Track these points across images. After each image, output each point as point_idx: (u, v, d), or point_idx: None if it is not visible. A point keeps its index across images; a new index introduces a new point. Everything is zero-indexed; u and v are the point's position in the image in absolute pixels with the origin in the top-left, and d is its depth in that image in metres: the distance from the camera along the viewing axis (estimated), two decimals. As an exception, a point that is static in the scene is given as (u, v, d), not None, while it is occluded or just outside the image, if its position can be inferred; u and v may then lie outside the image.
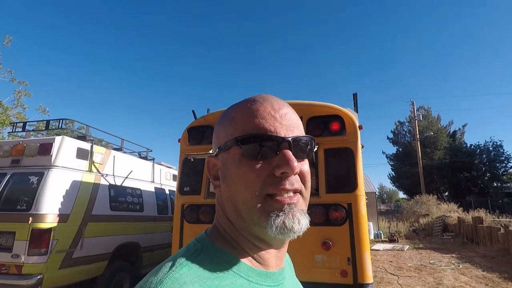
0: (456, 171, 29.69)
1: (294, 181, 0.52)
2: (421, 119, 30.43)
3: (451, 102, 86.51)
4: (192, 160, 4.06)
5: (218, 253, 0.53)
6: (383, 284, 6.87)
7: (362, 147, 4.40)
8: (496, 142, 30.55)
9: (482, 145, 31.03)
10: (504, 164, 30.12)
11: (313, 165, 4.58)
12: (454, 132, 34.77)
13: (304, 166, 0.56)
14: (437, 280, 7.09)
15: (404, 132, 36.20)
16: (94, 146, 5.43)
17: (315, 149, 0.58)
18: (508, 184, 31.45)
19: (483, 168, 30.54)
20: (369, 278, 3.37)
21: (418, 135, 27.61)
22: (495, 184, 30.60)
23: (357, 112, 4.94)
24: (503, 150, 30.23)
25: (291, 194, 0.52)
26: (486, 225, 12.24)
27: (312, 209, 3.66)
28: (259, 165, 0.52)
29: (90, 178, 5.21)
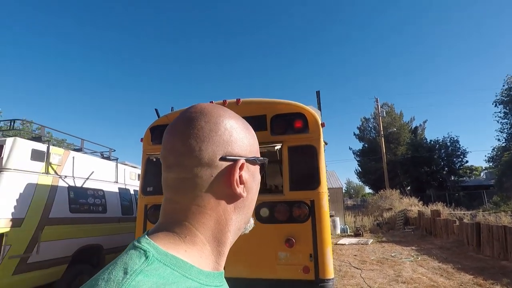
0: (418, 166, 31.08)
1: None
2: (385, 115, 31.48)
3: (412, 98, 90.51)
4: (154, 160, 3.97)
5: (169, 258, 0.51)
6: (346, 278, 7.13)
7: (326, 144, 4.49)
8: (453, 138, 32.26)
9: (440, 141, 32.64)
10: (460, 159, 31.97)
11: (278, 163, 4.62)
12: (416, 128, 36.43)
13: None
14: (397, 272, 7.48)
15: (369, 128, 37.51)
16: (51, 147, 5.18)
17: None
18: (464, 178, 33.52)
19: (442, 163, 32.18)
20: (330, 273, 3.48)
21: (382, 131, 28.64)
22: (452, 178, 32.38)
23: (320, 109, 5.05)
24: (459, 145, 31.99)
25: None
26: (443, 218, 13.05)
27: (276, 207, 3.70)
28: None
29: (47, 180, 4.96)
